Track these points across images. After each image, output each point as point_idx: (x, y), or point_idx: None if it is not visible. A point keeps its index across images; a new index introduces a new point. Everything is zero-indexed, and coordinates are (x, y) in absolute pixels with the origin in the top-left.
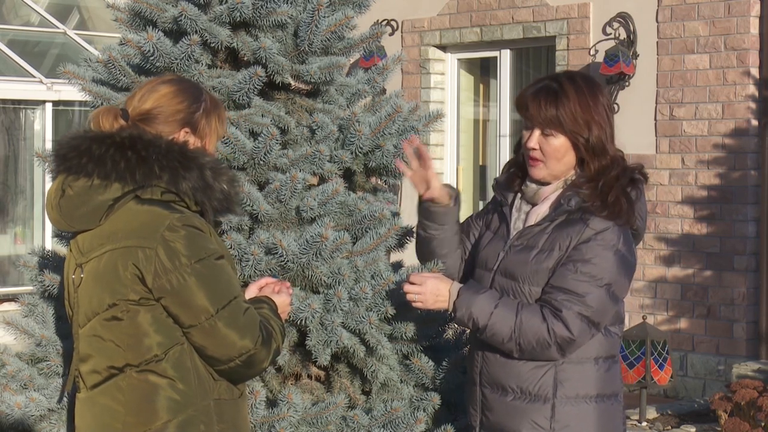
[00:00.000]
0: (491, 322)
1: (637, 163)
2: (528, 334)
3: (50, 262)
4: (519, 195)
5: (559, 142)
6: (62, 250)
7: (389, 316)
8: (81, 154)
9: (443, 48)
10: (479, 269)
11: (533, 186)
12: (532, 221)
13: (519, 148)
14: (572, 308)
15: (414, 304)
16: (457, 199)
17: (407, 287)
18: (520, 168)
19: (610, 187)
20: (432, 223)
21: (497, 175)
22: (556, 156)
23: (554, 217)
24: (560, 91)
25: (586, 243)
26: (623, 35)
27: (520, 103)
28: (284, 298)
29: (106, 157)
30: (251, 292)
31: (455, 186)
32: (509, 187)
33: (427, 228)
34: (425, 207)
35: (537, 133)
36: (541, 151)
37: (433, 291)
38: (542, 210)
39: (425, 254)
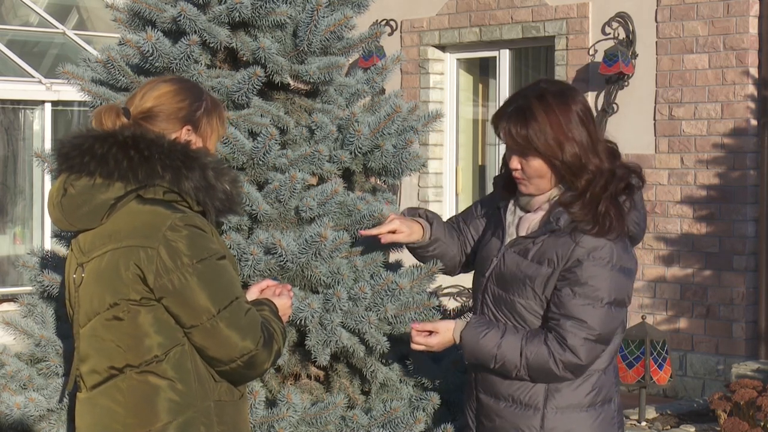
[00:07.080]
0: (497, 363)
1: (634, 165)
2: (534, 367)
3: (49, 263)
4: (513, 200)
5: (538, 163)
6: (61, 250)
7: (389, 315)
8: (83, 153)
9: (442, 48)
10: (476, 274)
11: (525, 196)
12: (524, 229)
13: (505, 164)
14: (578, 335)
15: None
16: (429, 221)
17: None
18: (510, 181)
19: (598, 199)
20: (422, 250)
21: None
22: (538, 175)
23: (544, 232)
24: (529, 113)
25: (579, 265)
26: (622, 35)
27: (494, 126)
28: (285, 301)
29: (108, 156)
30: (252, 294)
31: (455, 186)
32: (505, 191)
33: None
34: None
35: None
36: (523, 171)
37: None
38: (535, 219)
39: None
